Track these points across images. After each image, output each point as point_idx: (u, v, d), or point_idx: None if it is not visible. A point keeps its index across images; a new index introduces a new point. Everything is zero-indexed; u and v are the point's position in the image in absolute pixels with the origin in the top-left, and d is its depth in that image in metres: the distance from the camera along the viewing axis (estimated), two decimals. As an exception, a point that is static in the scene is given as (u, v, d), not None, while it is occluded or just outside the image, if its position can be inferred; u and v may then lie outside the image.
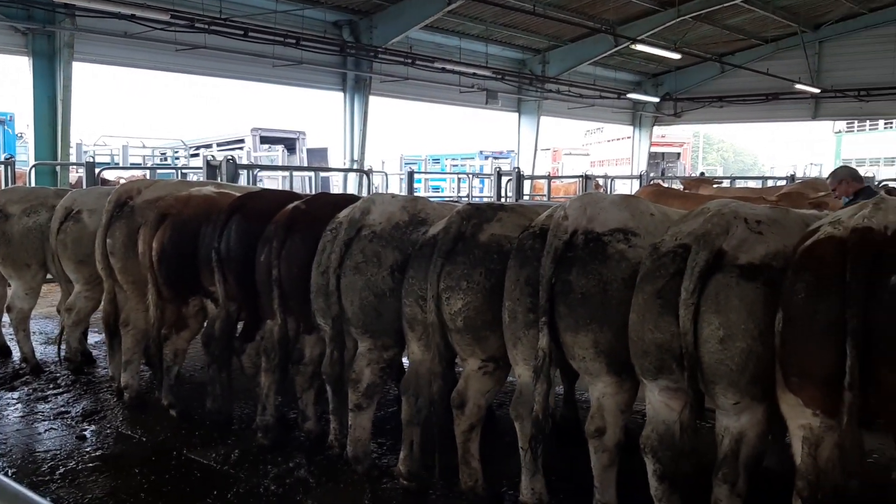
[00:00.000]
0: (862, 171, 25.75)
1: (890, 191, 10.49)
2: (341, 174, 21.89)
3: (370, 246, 4.73)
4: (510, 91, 25.65)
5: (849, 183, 7.55)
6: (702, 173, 28.47)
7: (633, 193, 14.06)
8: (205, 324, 5.79)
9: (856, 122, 42.88)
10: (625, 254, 4.00)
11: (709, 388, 3.62)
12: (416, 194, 16.82)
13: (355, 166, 20.53)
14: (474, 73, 22.49)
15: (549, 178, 21.66)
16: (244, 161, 20.12)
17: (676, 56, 24.09)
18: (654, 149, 35.34)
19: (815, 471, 3.39)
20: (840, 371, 3.16)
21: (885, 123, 43.63)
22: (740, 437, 3.67)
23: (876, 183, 15.42)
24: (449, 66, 21.53)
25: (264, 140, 25.67)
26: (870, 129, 45.99)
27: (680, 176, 29.18)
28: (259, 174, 14.50)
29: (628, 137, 33.69)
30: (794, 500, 3.44)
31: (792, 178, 17.65)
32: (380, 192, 16.23)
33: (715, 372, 3.56)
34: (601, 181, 21.29)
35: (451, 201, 10.83)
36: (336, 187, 22.01)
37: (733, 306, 3.52)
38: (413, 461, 4.66)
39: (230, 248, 5.27)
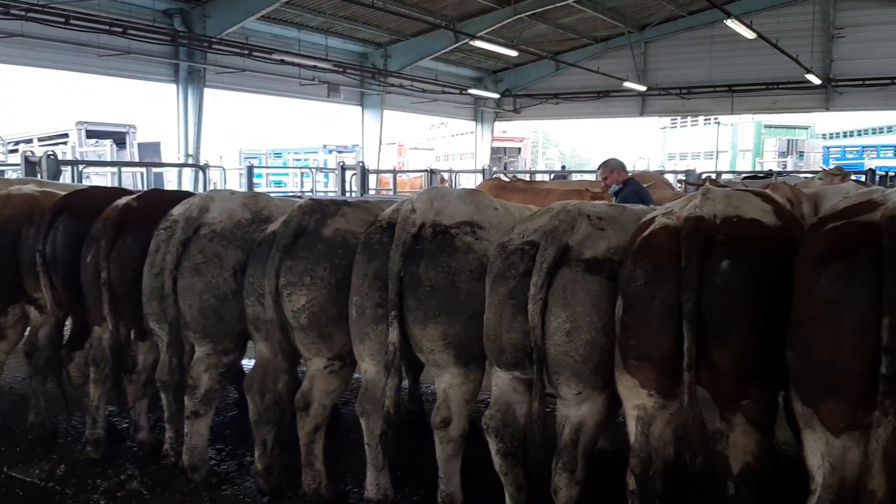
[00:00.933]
0: (683, 165, 27.45)
1: (708, 181, 11.27)
2: (175, 170, 20.93)
3: (210, 245, 4.51)
4: (352, 84, 25.47)
5: (619, 172, 8.11)
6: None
7: (475, 187, 14.32)
8: (27, 333, 5.38)
9: (678, 118, 45.86)
10: (472, 246, 4.04)
11: (552, 378, 3.71)
12: (255, 190, 16.38)
13: (190, 161, 19.66)
14: (314, 66, 22.14)
15: (394, 172, 21.70)
16: (69, 157, 18.82)
17: (514, 53, 24.78)
18: (496, 144, 36.23)
19: (647, 448, 3.54)
20: (674, 352, 3.31)
21: (705, 120, 46.96)
22: (580, 426, 3.78)
23: (697, 175, 16.51)
24: (288, 59, 21.06)
25: (91, 134, 24.05)
26: (691, 125, 49.35)
27: (522, 170, 30.03)
28: (85, 170, 13.59)
29: (471, 132, 34.36)
30: (628, 477, 3.58)
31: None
32: (218, 188, 15.63)
33: (560, 363, 3.66)
34: (446, 175, 21.56)
35: (294, 196, 10.60)
36: (170, 184, 21.00)
37: (579, 300, 3.63)
38: (269, 458, 4.49)
39: (56, 250, 4.91)
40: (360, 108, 27.03)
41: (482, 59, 28.78)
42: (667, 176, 18.45)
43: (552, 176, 21.84)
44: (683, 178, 15.73)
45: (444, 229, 4.07)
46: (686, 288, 3.29)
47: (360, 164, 17.69)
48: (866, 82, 24.77)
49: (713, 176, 17.11)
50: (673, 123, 49.32)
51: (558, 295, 3.64)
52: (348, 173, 17.52)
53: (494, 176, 16.87)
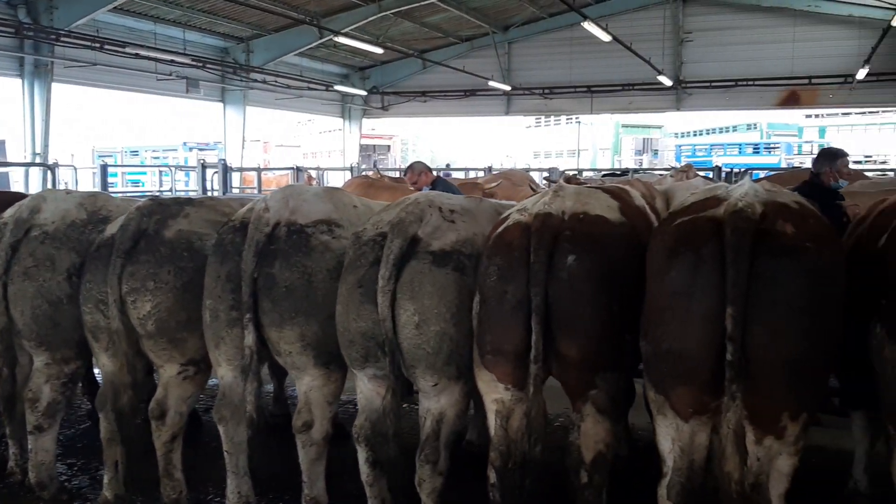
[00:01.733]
0: (548, 163, 28.16)
1: (569, 178, 11.60)
2: (22, 170, 19.55)
3: (42, 248, 4.24)
4: (213, 80, 24.62)
5: (426, 175, 8.34)
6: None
7: (342, 185, 14.16)
8: None
9: (542, 117, 47.17)
10: (329, 245, 3.97)
11: (409, 371, 3.73)
12: (111, 190, 15.54)
13: (38, 160, 18.42)
14: (172, 61, 21.20)
15: (258, 170, 21.17)
16: None
17: (379, 51, 24.68)
18: (365, 141, 36.03)
19: (506, 441, 3.61)
20: (527, 346, 3.39)
21: (567, 119, 48.55)
22: (441, 417, 3.81)
23: (560, 172, 16.99)
24: (143, 52, 20.07)
25: (-76, 131, 22.17)
26: (554, 124, 50.91)
27: (392, 168, 29.99)
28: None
29: (340, 129, 34.00)
30: (489, 471, 3.64)
31: (489, 169, 18.87)
32: (70, 188, 14.73)
33: (413, 356, 3.68)
34: (314, 173, 21.23)
35: (152, 196, 10.13)
36: (17, 184, 19.63)
37: (427, 292, 3.65)
38: (118, 484, 4.29)
39: None
40: (221, 104, 26.16)
41: (348, 55, 28.51)
42: (532, 174, 18.92)
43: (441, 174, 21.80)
44: (547, 176, 16.16)
45: (299, 228, 3.98)
46: (534, 283, 3.37)
47: (222, 162, 17.15)
48: (713, 84, 26.17)
49: (572, 173, 17.63)
50: (538, 122, 50.73)
51: (406, 288, 3.65)
52: (209, 171, 16.95)
53: (361, 174, 16.73)
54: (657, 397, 3.36)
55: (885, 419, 3.35)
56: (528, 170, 19.78)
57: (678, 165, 17.12)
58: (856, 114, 40.89)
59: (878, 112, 38.19)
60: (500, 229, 3.67)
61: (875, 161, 34.60)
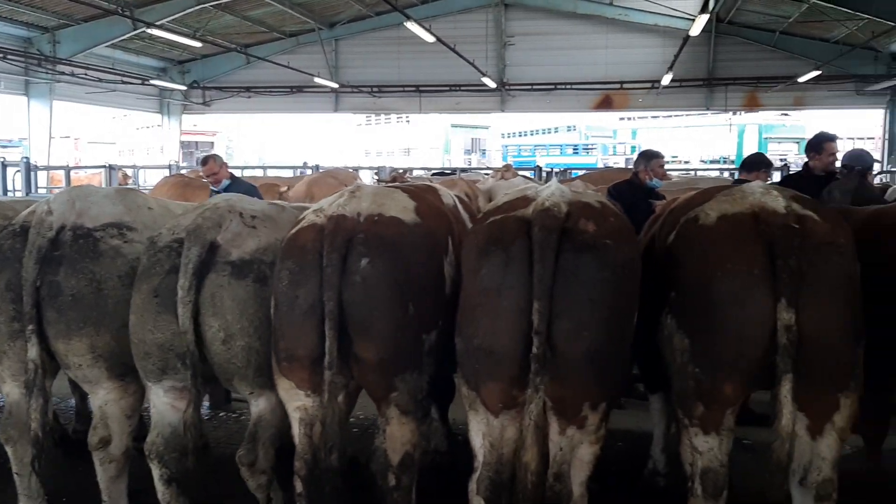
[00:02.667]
0: (379, 161, 28.16)
1: (396, 177, 11.62)
2: None
3: None
4: (16, 72, 22.72)
5: (224, 168, 8.19)
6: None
7: (155, 185, 13.48)
8: None
9: (373, 115, 47.19)
10: (120, 250, 3.74)
11: (225, 383, 3.72)
12: None
13: None
14: (-33, 50, 19.39)
15: (67, 168, 19.72)
16: None
17: (198, 44, 23.73)
18: (186, 138, 34.52)
19: (311, 450, 3.54)
20: (323, 352, 3.34)
21: (398, 118, 48.84)
22: (258, 420, 3.76)
23: (389, 171, 16.99)
24: (-68, 40, 18.21)
25: None
26: (385, 123, 51.05)
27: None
28: None
29: (159, 125, 32.37)
30: (294, 481, 3.56)
31: (316, 167, 18.61)
32: None
33: (225, 370, 3.61)
34: (129, 171, 20.08)
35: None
36: None
37: (228, 307, 3.55)
38: None
39: None
40: (25, 97, 24.18)
41: (166, 48, 27.18)
42: (362, 172, 18.85)
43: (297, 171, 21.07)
44: (376, 175, 16.12)
45: (86, 232, 3.72)
46: (327, 287, 3.32)
47: (25, 160, 15.85)
48: (534, 87, 27.20)
49: (401, 171, 17.70)
50: (368, 121, 50.68)
51: (208, 303, 3.53)
52: (10, 170, 15.63)
53: (176, 173, 15.99)
54: (469, 393, 3.41)
55: (675, 403, 3.56)
56: (357, 168, 19.61)
57: (506, 165, 17.70)
58: (663, 117, 43.96)
59: (682, 115, 41.14)
60: (293, 231, 3.60)
61: (680, 161, 37.31)
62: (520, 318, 3.14)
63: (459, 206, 4.71)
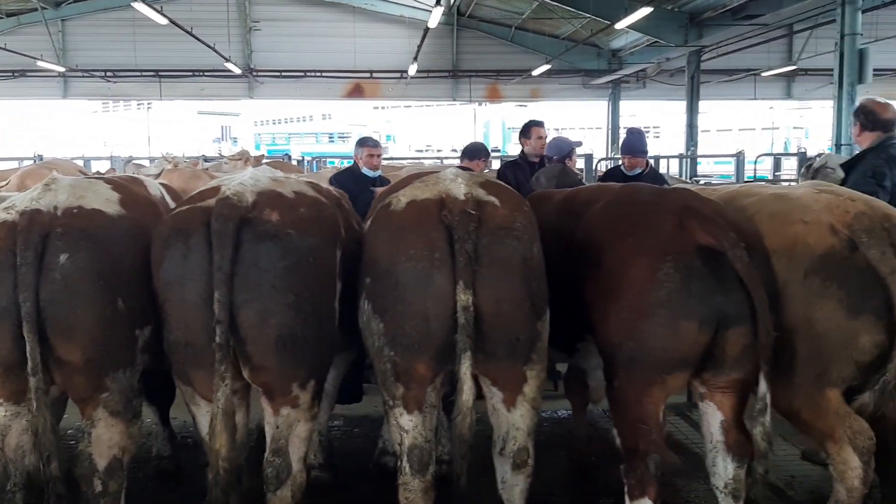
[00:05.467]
0: (120, 150, 26.24)
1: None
2: None
3: None
4: None
5: None
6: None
7: None
8: None
9: (110, 102, 43.97)
10: None
11: None
12: None
13: None
14: None
15: None
16: None
17: None
18: None
19: (2, 460, 3.37)
20: (19, 356, 3.16)
21: (138, 104, 45.90)
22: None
23: (125, 161, 15.89)
24: None
25: None
26: (125, 109, 47.85)
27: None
28: None
29: None
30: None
31: (40, 157, 16.98)
32: None
33: None
34: None
35: None
36: None
37: None
38: None
39: None
40: None
41: None
42: (97, 162, 17.50)
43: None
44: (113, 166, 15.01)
45: None
46: (22, 287, 3.13)
47: None
48: (283, 74, 26.79)
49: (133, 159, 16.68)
50: (106, 107, 47.23)
51: None
52: None
53: None
54: (185, 388, 3.47)
55: (380, 386, 3.65)
56: (86, 158, 18.03)
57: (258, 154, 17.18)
58: (415, 107, 45.22)
59: (432, 105, 42.61)
60: None
61: (433, 150, 38.65)
62: (205, 309, 3.17)
63: (168, 197, 4.54)
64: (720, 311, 3.31)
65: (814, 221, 3.47)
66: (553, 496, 4.58)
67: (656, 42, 21.51)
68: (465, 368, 3.21)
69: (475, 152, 6.95)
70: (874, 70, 15.92)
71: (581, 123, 40.80)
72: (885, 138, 5.01)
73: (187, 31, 20.33)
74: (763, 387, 3.33)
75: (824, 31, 19.79)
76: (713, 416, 3.60)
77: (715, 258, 3.33)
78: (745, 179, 14.74)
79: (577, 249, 3.71)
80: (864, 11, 16.04)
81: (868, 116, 5.10)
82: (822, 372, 3.46)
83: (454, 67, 27.40)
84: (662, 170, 19.01)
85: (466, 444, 3.37)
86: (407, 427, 3.50)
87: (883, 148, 4.98)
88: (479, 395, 3.51)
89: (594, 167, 14.17)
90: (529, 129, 7.04)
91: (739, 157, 15.41)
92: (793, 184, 9.15)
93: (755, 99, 29.45)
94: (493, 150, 19.19)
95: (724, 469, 3.57)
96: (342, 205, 4.06)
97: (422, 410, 3.49)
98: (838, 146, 14.70)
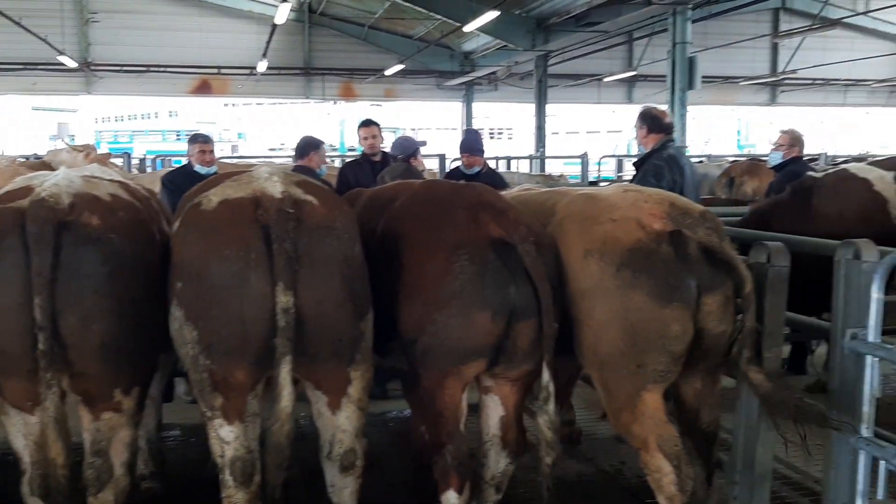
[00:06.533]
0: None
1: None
2: None
3: None
4: None
5: None
6: None
7: None
8: None
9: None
10: None
11: None
12: None
13: None
14: None
15: None
16: None
17: None
18: None
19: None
20: None
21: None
22: None
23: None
24: None
25: None
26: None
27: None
28: None
29: None
30: None
31: None
32: None
33: None
34: None
35: None
36: None
37: None
38: None
39: None
40: None
41: None
42: None
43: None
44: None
45: None
46: None
47: None
48: (124, 68, 25.41)
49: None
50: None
51: None
52: None
53: None
54: None
55: (196, 396, 3.50)
56: None
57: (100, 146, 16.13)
58: (268, 104, 44.15)
59: (286, 103, 41.71)
60: None
61: (289, 149, 37.90)
62: (23, 315, 3.05)
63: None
64: (512, 302, 3.40)
65: (621, 219, 3.60)
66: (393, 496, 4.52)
67: (506, 46, 22.00)
68: (285, 373, 3.11)
69: (306, 147, 6.75)
70: (703, 77, 16.96)
71: (437, 124, 41.30)
72: (665, 140, 5.65)
73: (15, 22, 18.92)
74: (546, 376, 3.45)
75: (660, 38, 20.88)
76: (494, 411, 3.71)
77: (507, 252, 3.42)
78: (590, 180, 15.37)
79: (379, 246, 3.70)
80: (693, 21, 17.09)
81: (654, 121, 5.71)
82: (640, 364, 3.55)
83: (307, 65, 26.92)
84: (514, 169, 19.56)
85: (285, 452, 3.26)
86: (228, 438, 3.35)
87: (665, 148, 5.60)
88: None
89: (446, 167, 14.29)
90: (358, 130, 7.22)
91: (584, 159, 16.07)
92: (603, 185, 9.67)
93: (599, 103, 30.68)
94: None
95: (495, 463, 3.72)
96: (152, 206, 3.87)
97: (243, 420, 3.34)
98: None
